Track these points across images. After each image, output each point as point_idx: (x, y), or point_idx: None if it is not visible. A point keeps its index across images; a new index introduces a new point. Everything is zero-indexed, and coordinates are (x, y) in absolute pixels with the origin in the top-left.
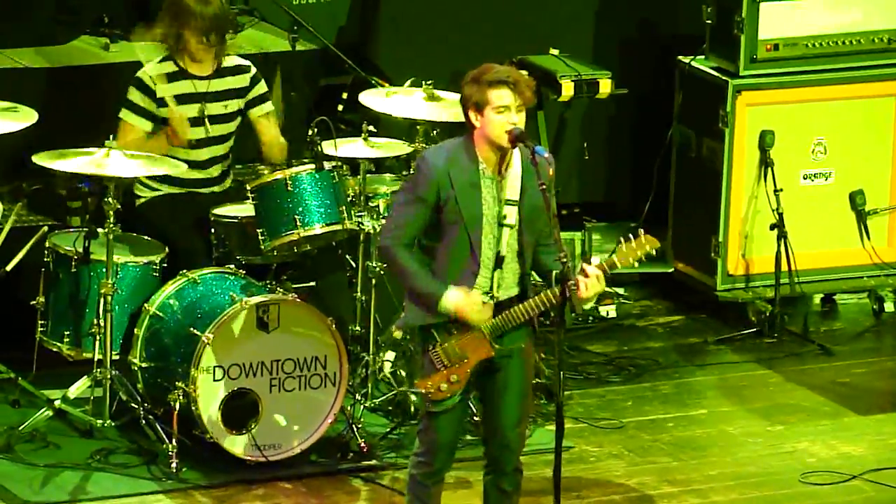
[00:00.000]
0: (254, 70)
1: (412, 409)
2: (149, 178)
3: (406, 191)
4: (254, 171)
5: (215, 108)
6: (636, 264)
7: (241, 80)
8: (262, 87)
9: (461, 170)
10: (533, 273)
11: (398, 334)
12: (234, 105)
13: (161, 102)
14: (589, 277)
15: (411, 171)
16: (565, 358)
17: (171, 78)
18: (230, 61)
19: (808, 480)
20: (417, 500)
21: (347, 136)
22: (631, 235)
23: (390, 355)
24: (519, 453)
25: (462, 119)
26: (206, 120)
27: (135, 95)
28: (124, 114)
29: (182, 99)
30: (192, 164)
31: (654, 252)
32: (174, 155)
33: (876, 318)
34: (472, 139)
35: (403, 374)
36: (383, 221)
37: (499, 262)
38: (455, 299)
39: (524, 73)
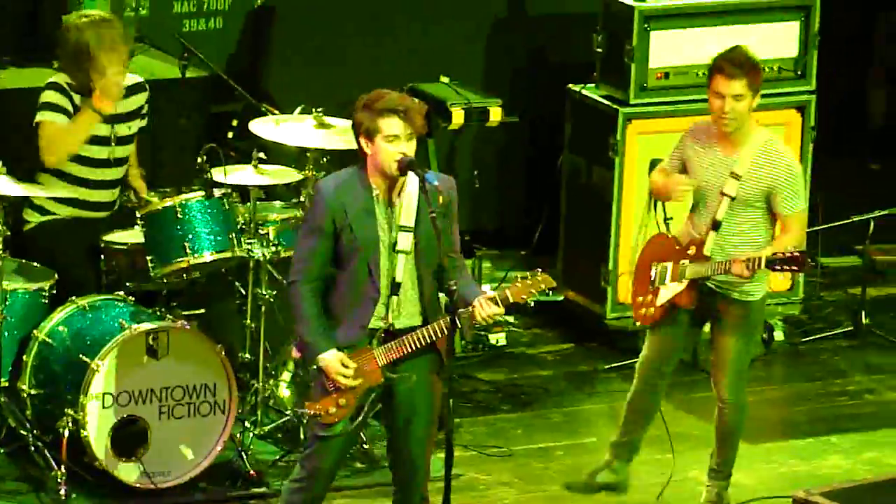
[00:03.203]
0: (146, 88)
1: (302, 436)
2: (47, 198)
3: (305, 223)
4: (137, 197)
5: (122, 130)
6: (530, 302)
7: (140, 99)
8: (147, 107)
9: (354, 197)
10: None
11: (296, 354)
12: (136, 125)
13: (77, 109)
14: (486, 305)
15: (302, 199)
16: (455, 385)
17: (80, 92)
18: (129, 80)
19: None
20: None
21: (237, 164)
22: (528, 273)
23: (286, 376)
24: (426, 480)
25: (352, 146)
26: (114, 142)
27: (52, 96)
28: (42, 115)
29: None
30: (92, 185)
31: (548, 292)
32: (85, 176)
33: (765, 347)
34: (364, 166)
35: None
36: (273, 249)
37: (394, 288)
38: (326, 362)
39: (416, 100)
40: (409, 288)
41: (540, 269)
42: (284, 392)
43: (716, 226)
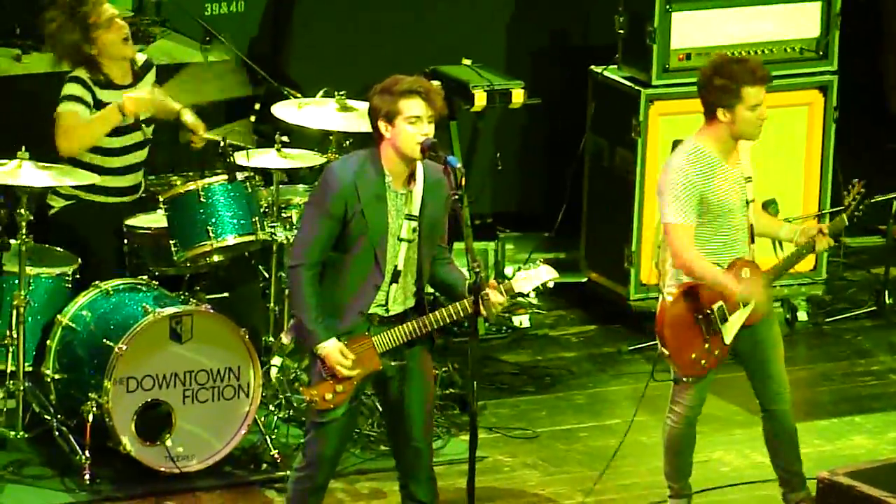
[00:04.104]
0: (153, 64)
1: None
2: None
3: (313, 205)
4: (166, 182)
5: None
6: (533, 294)
7: (151, 77)
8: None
9: (368, 183)
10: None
11: (286, 340)
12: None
13: (98, 105)
14: (492, 293)
15: (317, 184)
16: (478, 368)
17: (102, 86)
18: (139, 61)
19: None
20: None
21: (260, 147)
22: (531, 264)
23: (276, 360)
24: (430, 461)
25: None
26: (143, 124)
27: (75, 89)
28: (63, 106)
29: None
30: (115, 172)
31: (551, 285)
32: (100, 164)
33: (789, 328)
34: (378, 151)
35: (291, 377)
36: (295, 232)
37: (395, 276)
38: (327, 351)
39: (434, 83)
40: (407, 275)
41: (543, 260)
42: (274, 377)
43: (753, 234)
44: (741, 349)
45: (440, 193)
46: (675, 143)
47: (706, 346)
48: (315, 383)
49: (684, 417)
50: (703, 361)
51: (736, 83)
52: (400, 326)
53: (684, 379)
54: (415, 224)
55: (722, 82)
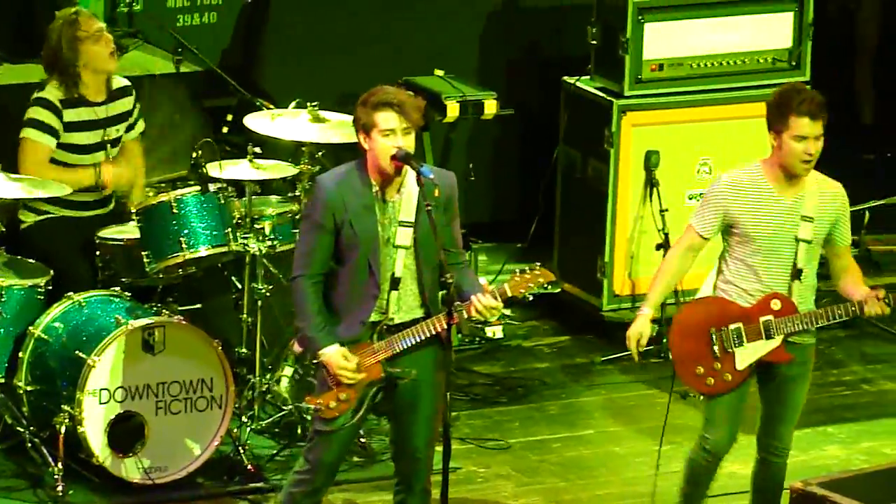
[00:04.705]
0: (133, 90)
1: (299, 430)
2: (36, 199)
3: (306, 218)
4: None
5: (112, 132)
6: (528, 296)
7: (128, 103)
8: (138, 109)
9: (354, 193)
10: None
11: (297, 349)
12: (124, 127)
13: (68, 127)
14: (485, 298)
15: (295, 192)
16: (452, 379)
17: (72, 104)
18: (116, 83)
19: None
20: None
21: (233, 158)
22: (527, 267)
23: (288, 371)
24: (428, 473)
25: (347, 140)
26: (108, 145)
27: (41, 114)
28: (28, 132)
29: (85, 126)
30: (87, 187)
31: (547, 286)
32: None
33: None
34: (364, 162)
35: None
36: (269, 243)
37: (394, 283)
38: (328, 357)
39: (413, 94)
40: (409, 282)
41: (539, 264)
42: (284, 387)
43: (797, 274)
44: (765, 384)
45: (438, 199)
46: (649, 154)
47: (715, 364)
48: (320, 392)
49: (712, 454)
50: (709, 380)
51: (785, 109)
52: (399, 334)
53: (692, 395)
54: (410, 231)
55: (775, 106)
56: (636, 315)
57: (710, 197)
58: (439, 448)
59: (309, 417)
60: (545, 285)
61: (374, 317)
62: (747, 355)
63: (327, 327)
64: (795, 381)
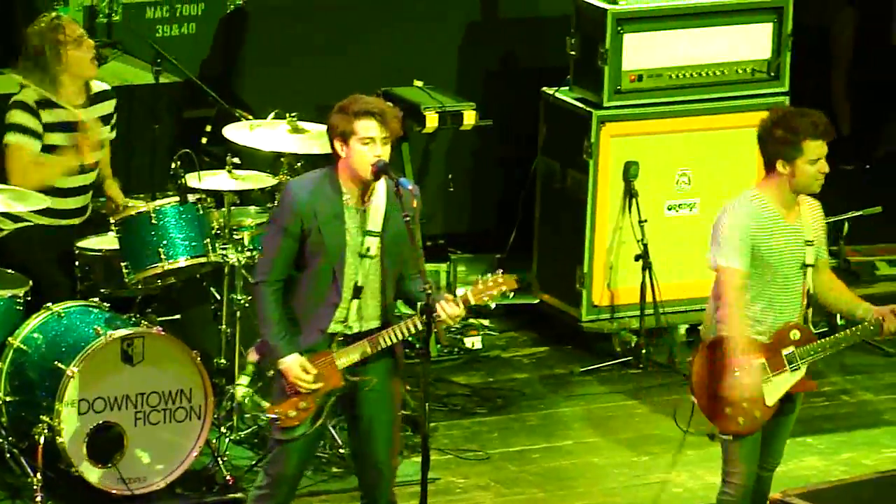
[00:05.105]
0: (114, 95)
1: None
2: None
3: (273, 223)
4: (114, 205)
5: (100, 134)
6: (492, 304)
7: (108, 107)
8: (116, 115)
9: (325, 201)
10: (399, 304)
11: (253, 358)
12: (108, 129)
13: (47, 127)
14: (448, 306)
15: (276, 203)
16: (431, 389)
17: (48, 105)
18: (96, 87)
19: None
20: None
21: (211, 169)
22: (489, 275)
23: (244, 380)
24: (392, 484)
25: (327, 151)
26: (80, 131)
27: (21, 117)
28: (11, 137)
29: (62, 127)
30: (64, 193)
31: (510, 294)
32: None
33: None
34: (336, 169)
35: (258, 399)
36: (248, 254)
37: (356, 292)
38: (287, 366)
39: (391, 104)
40: (371, 292)
41: (502, 270)
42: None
43: (809, 300)
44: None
45: (414, 209)
46: (628, 165)
47: (745, 403)
48: (278, 400)
49: (742, 488)
50: (740, 419)
51: (797, 136)
52: (358, 343)
53: (721, 436)
54: (376, 240)
55: (783, 135)
56: (747, 367)
57: (732, 230)
58: (417, 459)
59: (263, 424)
60: (507, 293)
61: (333, 326)
62: (775, 390)
63: (288, 335)
64: (794, 399)
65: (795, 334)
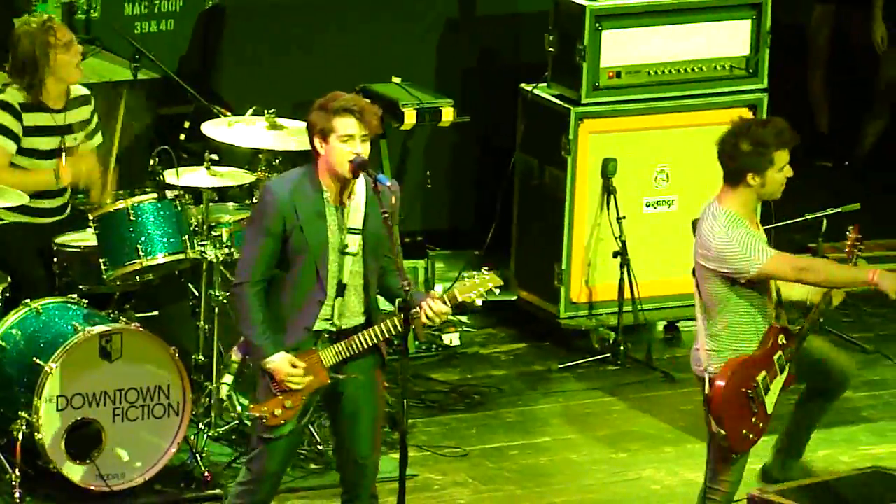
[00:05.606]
0: (92, 100)
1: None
2: None
3: (253, 223)
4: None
5: (69, 140)
6: (477, 301)
7: (86, 112)
8: (96, 118)
9: (306, 199)
10: (381, 299)
11: (236, 357)
12: (81, 136)
13: (27, 131)
14: (434, 303)
15: (255, 202)
16: (409, 386)
17: (31, 108)
18: (75, 91)
19: None
20: None
21: (190, 165)
22: (474, 272)
23: (228, 378)
24: (374, 479)
25: (305, 147)
26: (64, 153)
27: (2, 117)
28: None
29: (43, 131)
30: (42, 194)
31: (496, 291)
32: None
33: None
34: (315, 167)
35: (241, 398)
36: (226, 251)
37: (340, 290)
38: (275, 365)
39: (370, 102)
40: (354, 289)
41: (487, 268)
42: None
43: (780, 300)
44: None
45: (393, 206)
46: (606, 161)
47: (753, 419)
48: (264, 399)
49: (728, 496)
50: (751, 436)
51: (767, 148)
52: (344, 341)
53: (734, 456)
54: (357, 237)
55: (752, 148)
56: (880, 272)
57: (741, 237)
58: (395, 455)
59: (249, 423)
60: (494, 290)
61: (318, 324)
62: (773, 396)
63: (273, 335)
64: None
65: (782, 338)
